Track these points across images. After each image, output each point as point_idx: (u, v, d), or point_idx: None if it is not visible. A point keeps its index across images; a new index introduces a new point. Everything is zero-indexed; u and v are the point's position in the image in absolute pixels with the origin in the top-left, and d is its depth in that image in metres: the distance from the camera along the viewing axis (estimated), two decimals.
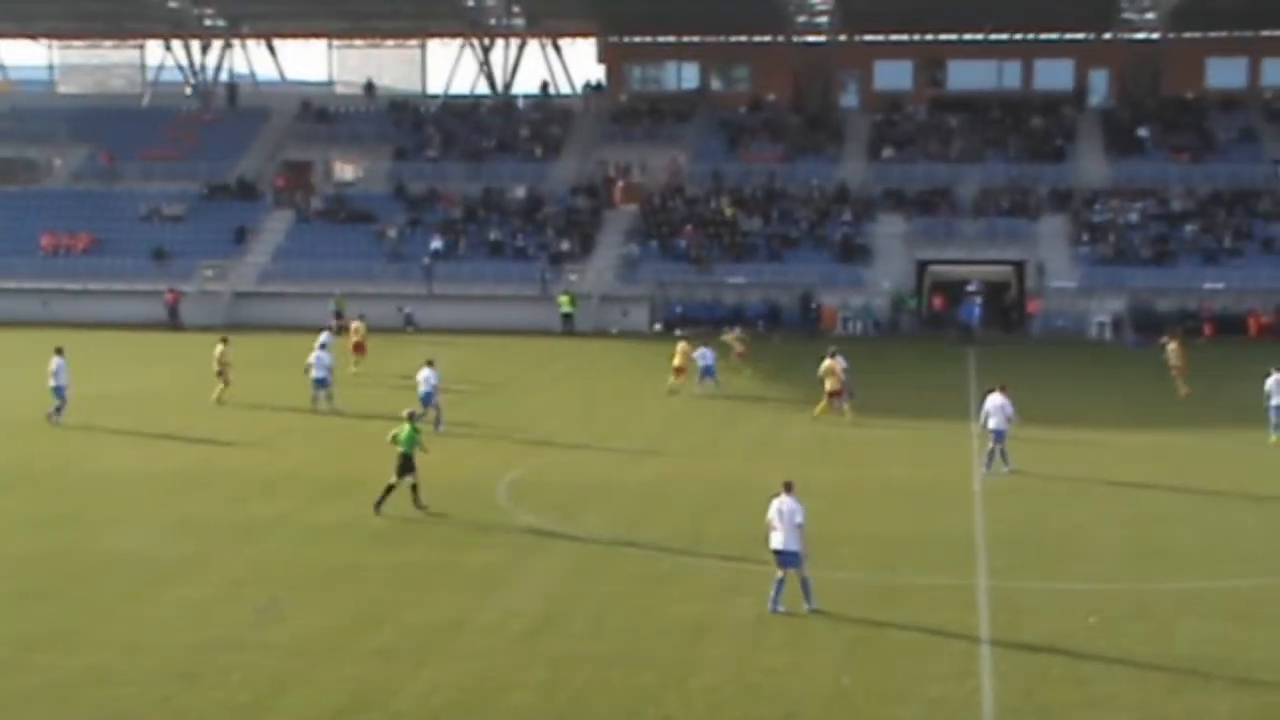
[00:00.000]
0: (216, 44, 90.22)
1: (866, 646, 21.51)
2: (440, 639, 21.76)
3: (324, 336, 46.93)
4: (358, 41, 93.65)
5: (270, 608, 23.17)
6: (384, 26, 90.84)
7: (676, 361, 47.41)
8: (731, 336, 52.92)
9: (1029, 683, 20.03)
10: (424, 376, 40.12)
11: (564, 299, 67.27)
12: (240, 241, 74.54)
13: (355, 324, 53.59)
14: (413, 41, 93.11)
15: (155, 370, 52.42)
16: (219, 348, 44.98)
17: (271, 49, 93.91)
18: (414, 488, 29.76)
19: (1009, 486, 32.86)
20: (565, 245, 72.53)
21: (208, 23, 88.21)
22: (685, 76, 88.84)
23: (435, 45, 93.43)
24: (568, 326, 66.36)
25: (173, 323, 67.60)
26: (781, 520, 22.75)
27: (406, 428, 29.80)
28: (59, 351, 40.75)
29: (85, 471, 34.27)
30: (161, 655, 20.96)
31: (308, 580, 24.91)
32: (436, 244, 72.37)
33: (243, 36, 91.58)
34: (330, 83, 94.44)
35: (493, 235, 73.35)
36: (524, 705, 19.28)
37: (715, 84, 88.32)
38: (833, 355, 42.54)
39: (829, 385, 41.61)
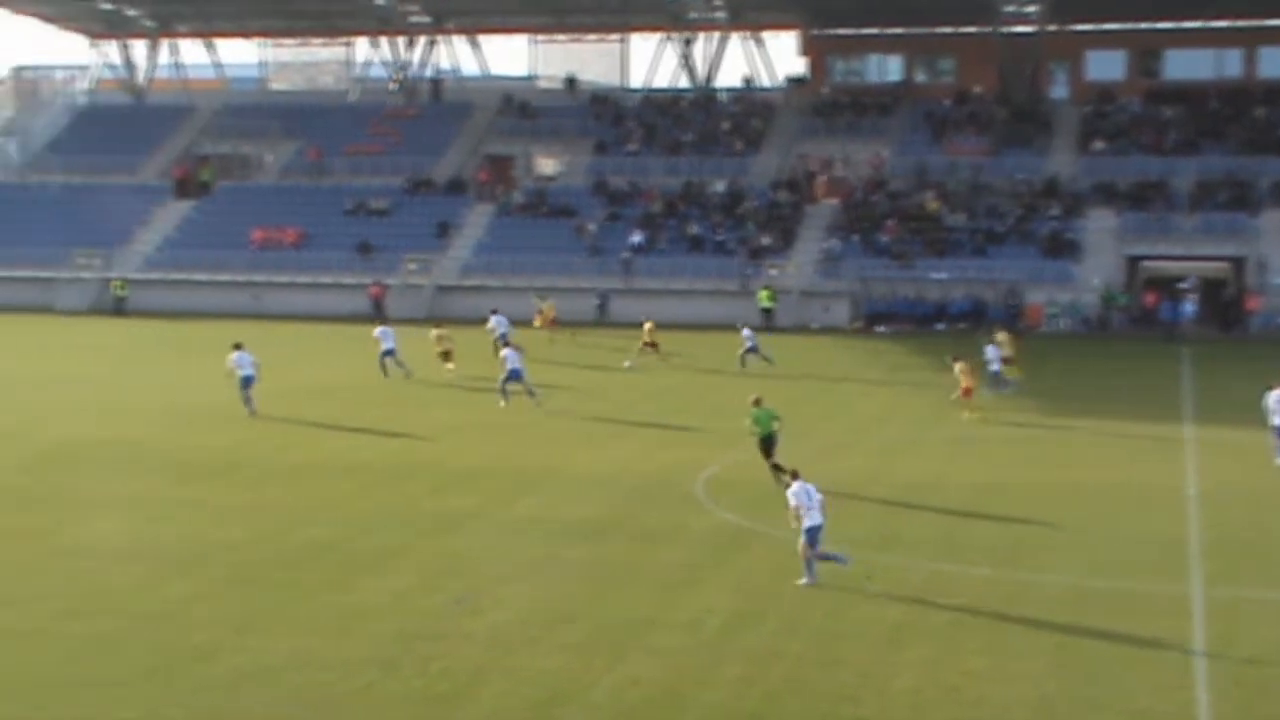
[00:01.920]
0: (421, 40, 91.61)
1: (1071, 653, 20.87)
2: (635, 634, 21.67)
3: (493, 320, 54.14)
4: (559, 36, 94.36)
5: (467, 599, 23.30)
6: (586, 21, 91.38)
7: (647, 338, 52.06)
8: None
9: (1247, 697, 19.25)
10: (506, 355, 43.10)
11: (764, 294, 66.95)
12: (442, 236, 75.54)
13: (543, 305, 61.09)
14: (614, 36, 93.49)
15: (358, 362, 53.18)
16: (434, 332, 49.73)
17: (475, 44, 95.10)
18: (775, 467, 31.03)
19: (1225, 490, 31.71)
20: (765, 240, 72.16)
21: (413, 19, 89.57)
22: (888, 69, 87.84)
23: (636, 39, 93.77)
24: (767, 321, 66.00)
25: (377, 315, 68.68)
26: (813, 501, 23.97)
27: (754, 412, 31.81)
28: (238, 346, 41.62)
29: (290, 460, 34.92)
30: (364, 642, 21.21)
31: (506, 572, 25.02)
32: (636, 238, 72.55)
33: (447, 32, 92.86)
34: (532, 77, 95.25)
35: (692, 230, 73.28)
36: (718, 702, 19.09)
37: (919, 76, 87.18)
38: (956, 359, 42.11)
39: (965, 382, 41.18)
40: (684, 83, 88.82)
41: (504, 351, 43.64)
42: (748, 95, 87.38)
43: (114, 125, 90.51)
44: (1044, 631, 21.81)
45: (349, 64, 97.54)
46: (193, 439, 37.54)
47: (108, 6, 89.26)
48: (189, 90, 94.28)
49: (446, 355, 49.32)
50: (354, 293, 70.85)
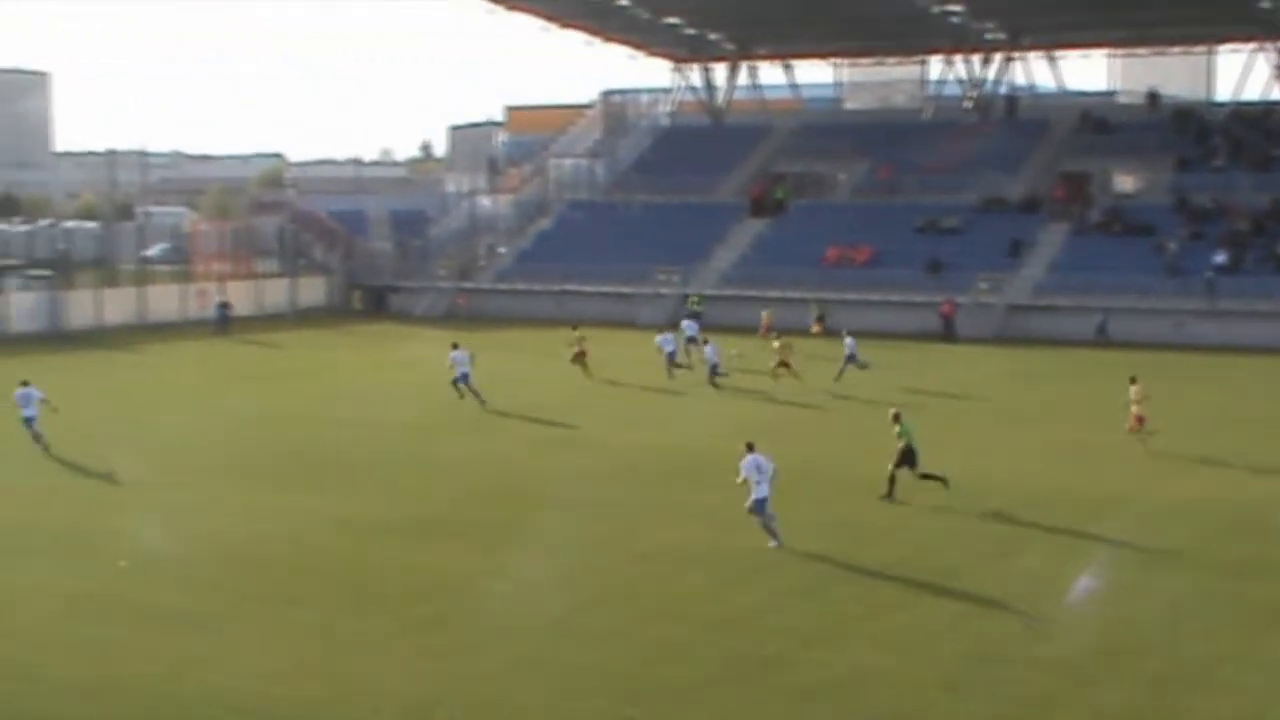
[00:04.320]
0: (997, 57, 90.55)
1: None
2: (1215, 671, 20.56)
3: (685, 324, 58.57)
4: (1140, 50, 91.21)
5: (1037, 622, 22.63)
6: (1169, 34, 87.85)
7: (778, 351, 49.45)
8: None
9: None
10: (710, 350, 50.47)
11: None
12: (1015, 254, 74.31)
13: (764, 313, 63.61)
14: (1200, 48, 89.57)
15: (928, 379, 52.89)
16: (574, 334, 52.19)
17: (1051, 60, 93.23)
18: (924, 475, 31.65)
19: None
20: None
21: (989, 36, 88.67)
22: None
23: (1224, 51, 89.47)
24: None
25: (947, 334, 68.28)
26: (762, 474, 26.98)
27: (904, 425, 31.86)
28: (455, 346, 46.26)
29: (860, 474, 34.89)
30: (930, 662, 21.02)
31: (1078, 598, 24.24)
32: (1219, 258, 69.15)
33: (1023, 49, 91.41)
34: (1111, 92, 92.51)
35: None
36: None
37: None
38: (1133, 381, 38.69)
39: (1136, 409, 37.89)
40: (1276, 94, 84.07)
41: (707, 348, 50.89)
42: None
43: (693, 146, 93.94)
44: None
45: (923, 82, 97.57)
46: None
47: (691, 32, 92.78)
48: (766, 111, 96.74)
49: (581, 356, 51.20)
50: (924, 311, 70.63)
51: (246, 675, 20.47)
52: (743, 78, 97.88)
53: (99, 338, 62.99)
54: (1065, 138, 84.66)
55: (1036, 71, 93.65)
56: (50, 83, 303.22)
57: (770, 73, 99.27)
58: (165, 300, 74.24)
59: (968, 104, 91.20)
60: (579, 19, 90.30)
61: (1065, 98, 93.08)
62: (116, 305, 71.33)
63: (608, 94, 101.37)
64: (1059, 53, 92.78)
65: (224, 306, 72.39)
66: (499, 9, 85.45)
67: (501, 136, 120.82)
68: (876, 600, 24.22)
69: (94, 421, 42.72)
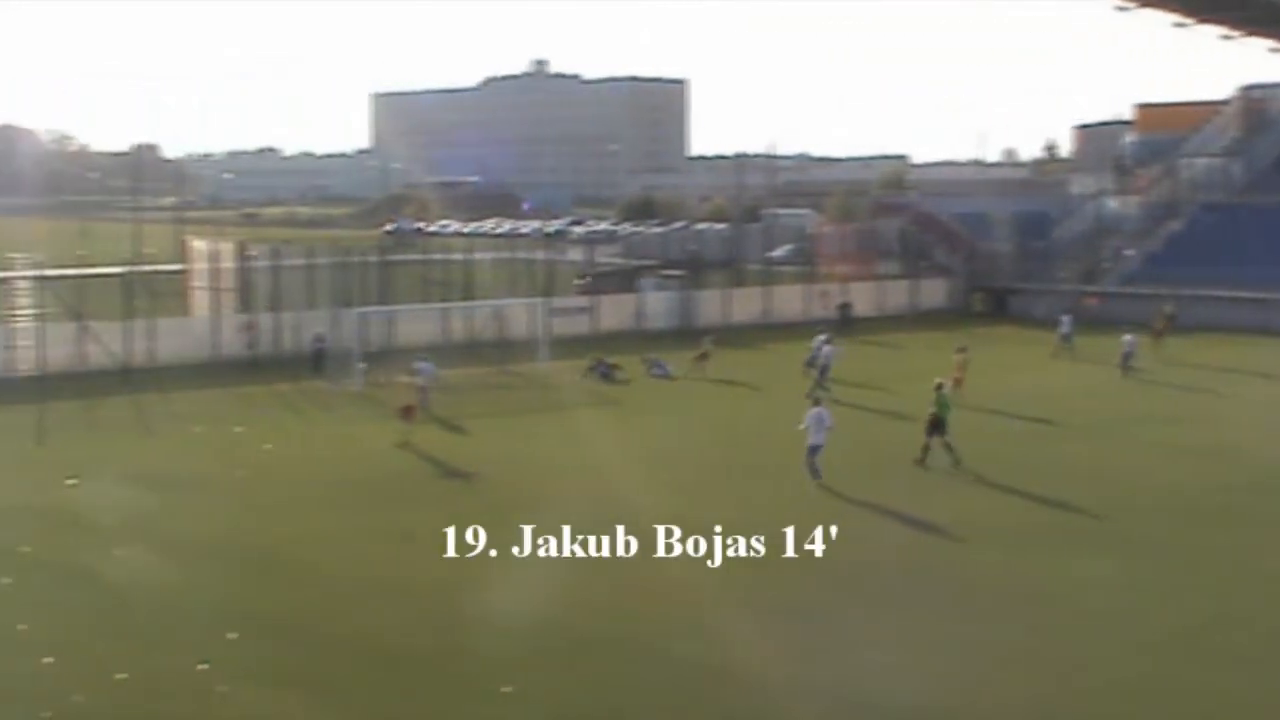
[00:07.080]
0: None
1: None
2: None
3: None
4: None
5: None
6: None
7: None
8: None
9: None
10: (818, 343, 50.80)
11: None
12: None
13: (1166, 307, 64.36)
14: None
15: None
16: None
17: None
18: (946, 445, 34.73)
19: None
20: None
21: None
22: None
23: None
24: None
25: None
26: (819, 425, 32.64)
27: (939, 395, 35.39)
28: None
29: None
30: None
31: None
32: None
33: None
34: None
35: None
36: None
37: None
38: None
39: None
40: None
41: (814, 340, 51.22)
42: None
43: None
44: None
45: None
46: None
47: None
48: None
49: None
50: None
51: (852, 670, 20.80)
52: None
53: (726, 336, 65.37)
54: None
55: None
56: (688, 90, 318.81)
57: None
58: (789, 300, 76.23)
59: None
60: (1215, 13, 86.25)
61: None
62: (743, 304, 73.91)
63: (1247, 89, 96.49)
64: None
65: (844, 307, 73.67)
66: (1130, 6, 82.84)
67: (1130, 135, 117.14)
68: None
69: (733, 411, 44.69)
